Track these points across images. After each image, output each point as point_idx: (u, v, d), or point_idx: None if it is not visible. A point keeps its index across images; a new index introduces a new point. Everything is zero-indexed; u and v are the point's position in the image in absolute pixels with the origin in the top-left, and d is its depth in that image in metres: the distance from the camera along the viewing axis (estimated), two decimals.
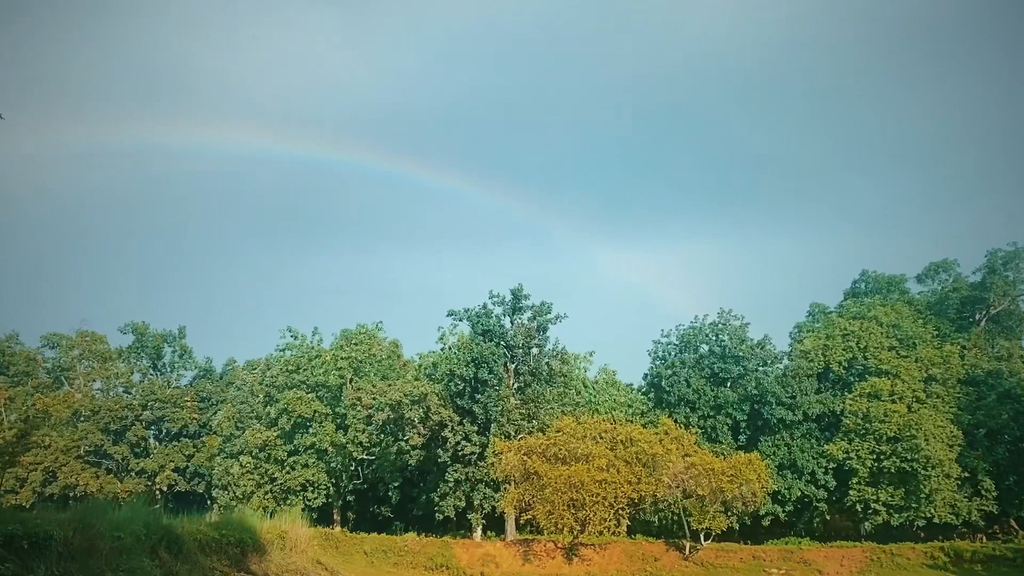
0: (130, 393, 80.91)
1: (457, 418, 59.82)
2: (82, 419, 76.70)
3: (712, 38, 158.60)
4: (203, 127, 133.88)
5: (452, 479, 59.47)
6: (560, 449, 55.43)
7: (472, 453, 59.13)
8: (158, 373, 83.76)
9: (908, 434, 61.17)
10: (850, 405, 64.69)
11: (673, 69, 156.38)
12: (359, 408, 63.36)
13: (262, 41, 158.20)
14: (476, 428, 59.85)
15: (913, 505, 61.66)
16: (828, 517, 66.66)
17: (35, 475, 72.93)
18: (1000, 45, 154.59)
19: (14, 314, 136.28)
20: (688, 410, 67.49)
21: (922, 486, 60.88)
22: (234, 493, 65.87)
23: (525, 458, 55.18)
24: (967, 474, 62.19)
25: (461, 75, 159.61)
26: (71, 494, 72.16)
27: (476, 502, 59.88)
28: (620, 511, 54.60)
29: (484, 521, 61.75)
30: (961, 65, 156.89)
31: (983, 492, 62.61)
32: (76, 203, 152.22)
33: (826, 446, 64.94)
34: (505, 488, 56.89)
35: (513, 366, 63.25)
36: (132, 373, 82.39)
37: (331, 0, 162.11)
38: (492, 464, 56.76)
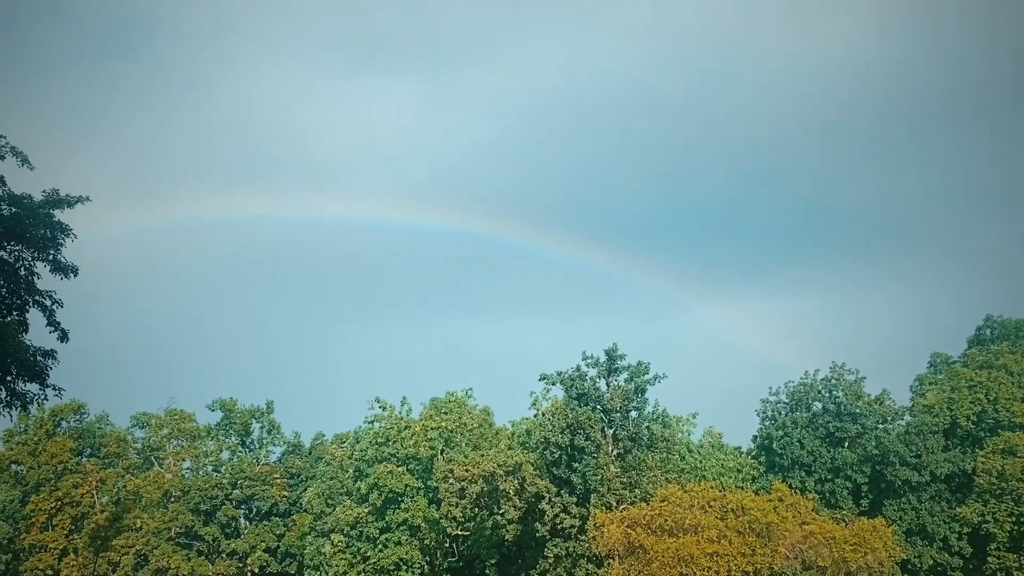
0: (219, 472, 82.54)
1: (554, 489, 58.62)
2: (172, 500, 77.95)
3: (810, 90, 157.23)
4: (290, 200, 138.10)
5: (552, 555, 58.14)
6: (666, 520, 53.91)
7: (571, 526, 57.76)
8: (247, 450, 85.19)
9: None
10: (983, 463, 62.17)
11: (773, 121, 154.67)
12: (451, 481, 61.73)
13: (350, 115, 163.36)
14: (575, 499, 58.60)
15: None
16: None
17: (127, 559, 74.48)
18: None
19: (104, 394, 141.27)
20: (803, 474, 65.67)
21: None
22: (326, 573, 66.18)
23: (629, 531, 53.73)
24: None
25: (544, 139, 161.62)
26: None
27: None
28: None
29: None
30: None
31: None
32: (158, 282, 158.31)
33: (958, 509, 62.58)
34: (609, 563, 55.30)
35: (611, 431, 62.20)
36: (221, 451, 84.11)
37: (412, 78, 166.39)
38: (593, 538, 55.00)
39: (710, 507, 55.19)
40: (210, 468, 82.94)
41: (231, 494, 78.33)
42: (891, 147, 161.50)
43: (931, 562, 61.84)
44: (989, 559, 60.34)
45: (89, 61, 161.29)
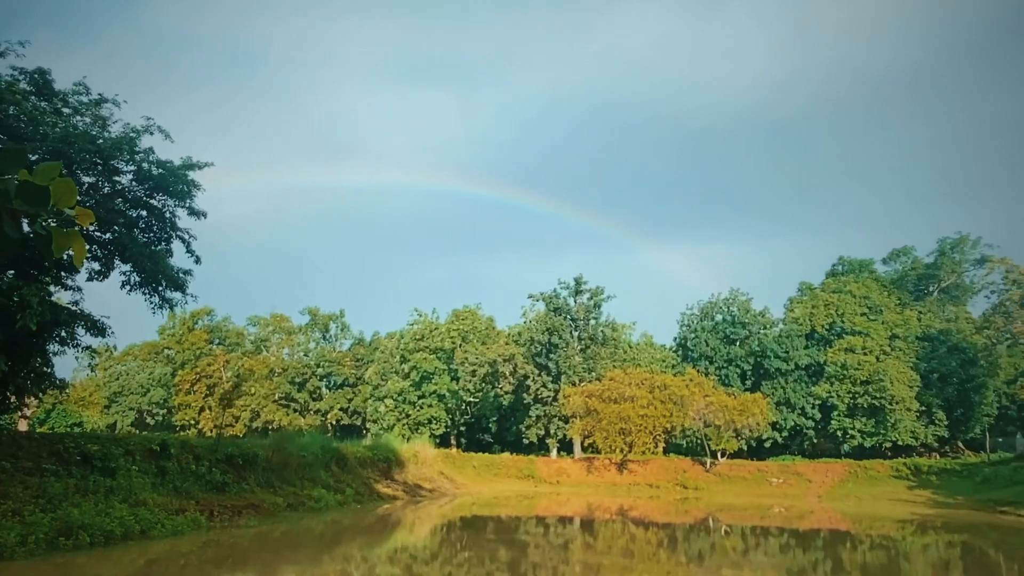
0: (308, 356, 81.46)
1: (536, 372, 59.47)
2: (275, 375, 78.06)
3: (731, 81, 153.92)
4: (359, 174, 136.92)
5: (534, 415, 59.34)
6: (612, 392, 54.99)
7: (548, 396, 58.87)
8: (327, 342, 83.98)
9: (877, 378, 59.01)
10: (831, 357, 62.66)
11: (709, 113, 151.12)
12: (466, 365, 63.05)
13: (402, 120, 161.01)
14: (551, 378, 59.48)
15: (881, 431, 59.53)
16: (815, 441, 64.76)
17: (245, 414, 75.25)
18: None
19: (228, 301, 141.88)
20: (707, 363, 65.85)
21: (888, 417, 58.73)
22: (381, 425, 66.41)
23: (587, 399, 54.83)
24: (923, 408, 59.76)
25: (545, 137, 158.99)
26: (270, 427, 73.98)
27: (552, 431, 59.48)
28: (657, 437, 54.18)
29: (558, 444, 61.29)
30: (938, 84, 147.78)
31: (936, 421, 60.08)
32: (267, 225, 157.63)
33: (813, 388, 63.07)
34: (572, 421, 56.56)
35: (577, 333, 62.40)
36: (309, 343, 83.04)
37: (444, 88, 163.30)
38: (563, 404, 56.23)
39: (642, 384, 56.07)
40: (301, 353, 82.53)
41: (316, 371, 78.01)
42: (784, 137, 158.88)
43: (792, 423, 62.66)
44: (832, 422, 61.04)
45: (222, 77, 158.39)
